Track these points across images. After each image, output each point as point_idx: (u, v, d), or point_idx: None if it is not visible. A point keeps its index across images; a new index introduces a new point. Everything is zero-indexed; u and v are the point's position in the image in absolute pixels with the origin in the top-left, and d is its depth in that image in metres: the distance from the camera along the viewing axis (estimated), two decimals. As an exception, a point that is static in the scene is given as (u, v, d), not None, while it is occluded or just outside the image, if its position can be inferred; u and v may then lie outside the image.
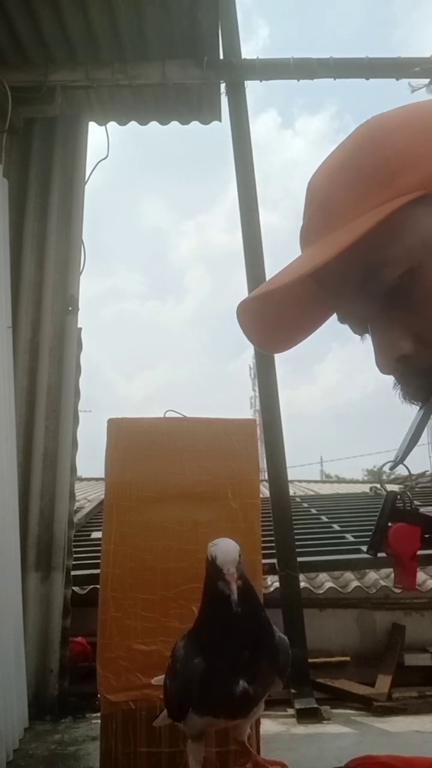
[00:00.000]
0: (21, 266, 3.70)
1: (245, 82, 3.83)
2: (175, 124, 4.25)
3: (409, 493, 0.83)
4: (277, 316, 0.61)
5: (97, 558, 2.74)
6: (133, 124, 4.23)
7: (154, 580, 2.08)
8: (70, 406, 3.68)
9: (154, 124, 4.25)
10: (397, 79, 3.74)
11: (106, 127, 4.10)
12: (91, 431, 3.50)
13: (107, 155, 4.03)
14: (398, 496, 0.83)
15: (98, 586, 2.19)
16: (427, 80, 3.65)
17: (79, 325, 3.80)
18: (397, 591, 4.11)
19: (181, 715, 1.03)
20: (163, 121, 4.23)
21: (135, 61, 3.73)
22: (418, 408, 0.59)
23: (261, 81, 3.85)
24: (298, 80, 3.82)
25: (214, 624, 0.98)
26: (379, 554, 0.83)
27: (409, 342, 0.54)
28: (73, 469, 3.71)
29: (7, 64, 3.70)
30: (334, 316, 0.62)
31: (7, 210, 3.40)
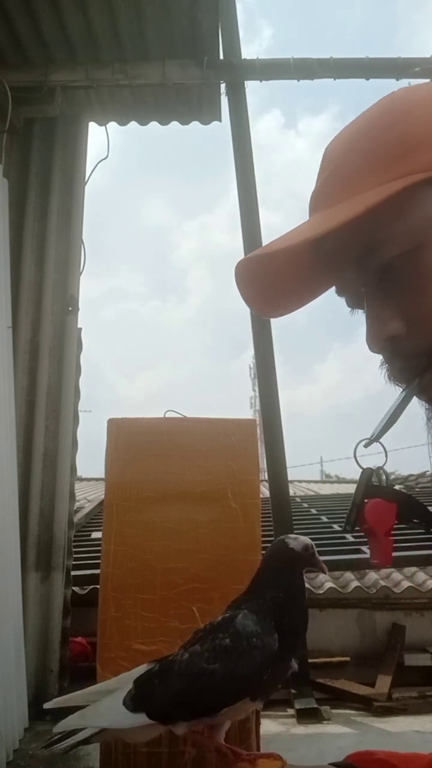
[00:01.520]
0: (21, 266, 3.70)
1: (245, 82, 3.83)
2: (177, 125, 4.25)
3: (384, 470, 0.86)
4: (276, 280, 0.59)
5: (97, 558, 2.74)
6: (134, 124, 4.23)
7: (154, 580, 2.07)
8: (70, 406, 3.68)
9: (154, 125, 4.26)
10: (397, 80, 3.74)
11: (106, 127, 4.11)
12: (91, 431, 3.50)
13: (107, 155, 4.04)
14: (374, 474, 0.85)
15: (98, 586, 2.19)
16: (427, 80, 3.64)
17: (79, 325, 3.80)
18: (396, 591, 4.11)
19: (227, 705, 0.90)
20: (163, 122, 4.24)
21: (135, 61, 3.73)
22: (401, 389, 0.59)
23: (261, 81, 3.85)
24: (298, 80, 3.82)
25: (274, 607, 0.96)
26: (356, 529, 0.87)
27: (399, 323, 0.54)
28: (73, 469, 3.71)
29: (7, 64, 3.70)
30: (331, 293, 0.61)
31: (7, 210, 3.40)
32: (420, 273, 0.52)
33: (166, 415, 2.37)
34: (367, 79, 3.81)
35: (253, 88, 3.70)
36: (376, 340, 0.55)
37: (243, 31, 3.73)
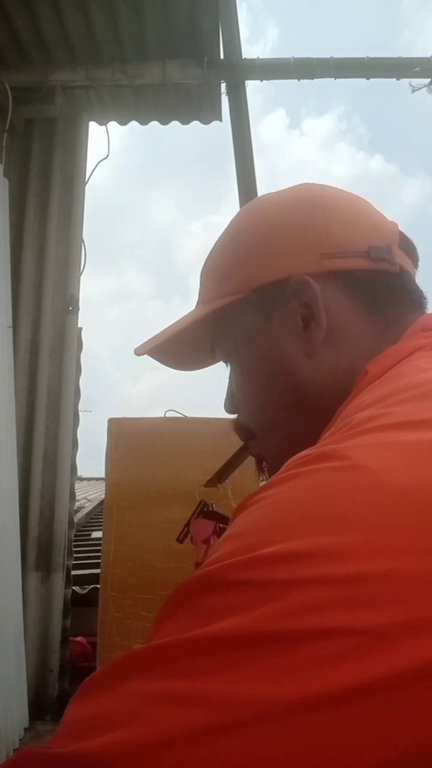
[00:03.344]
0: (21, 266, 3.70)
1: (246, 81, 3.83)
2: (178, 125, 4.25)
3: (210, 501, 1.34)
4: (177, 353, 0.69)
5: (97, 558, 2.74)
6: (135, 125, 4.23)
7: (154, 580, 2.08)
8: (70, 406, 3.68)
9: (155, 125, 4.26)
10: (398, 79, 3.74)
11: (106, 127, 4.11)
12: (91, 431, 3.50)
13: (108, 155, 4.04)
14: (206, 503, 1.34)
15: (98, 586, 2.20)
16: (427, 80, 3.65)
17: (79, 325, 3.80)
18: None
19: None
20: (164, 121, 4.24)
21: (135, 61, 3.73)
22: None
23: (261, 81, 3.85)
24: (299, 80, 3.82)
25: None
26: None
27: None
28: (73, 469, 3.71)
29: (7, 64, 3.70)
30: None
31: (7, 210, 3.40)
32: (235, 372, 0.63)
33: (167, 415, 2.37)
34: (368, 79, 3.81)
35: (257, 88, 3.69)
36: (226, 407, 0.68)
37: (248, 32, 3.74)
